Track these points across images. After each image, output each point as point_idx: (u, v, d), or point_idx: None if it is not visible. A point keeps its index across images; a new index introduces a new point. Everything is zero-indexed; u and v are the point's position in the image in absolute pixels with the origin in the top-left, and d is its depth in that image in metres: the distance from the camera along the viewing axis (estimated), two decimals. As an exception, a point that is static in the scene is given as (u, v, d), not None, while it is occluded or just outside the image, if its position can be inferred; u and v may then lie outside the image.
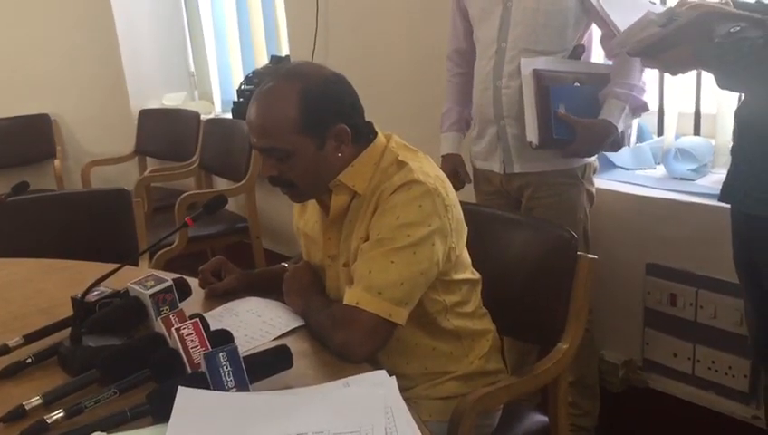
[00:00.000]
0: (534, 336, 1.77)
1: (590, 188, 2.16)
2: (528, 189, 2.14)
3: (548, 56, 2.02)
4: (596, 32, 2.14)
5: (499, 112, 2.10)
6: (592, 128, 2.00)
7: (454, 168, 2.26)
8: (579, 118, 2.00)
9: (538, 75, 2.00)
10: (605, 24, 2.00)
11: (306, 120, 1.39)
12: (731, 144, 2.26)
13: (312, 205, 1.59)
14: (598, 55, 2.24)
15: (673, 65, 1.64)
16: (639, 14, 1.64)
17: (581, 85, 2.04)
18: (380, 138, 1.49)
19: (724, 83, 1.56)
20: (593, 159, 2.16)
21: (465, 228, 1.52)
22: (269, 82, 1.42)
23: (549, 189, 2.11)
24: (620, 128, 2.01)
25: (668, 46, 1.56)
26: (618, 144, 2.09)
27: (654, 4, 1.69)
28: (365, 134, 1.47)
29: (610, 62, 2.11)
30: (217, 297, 1.61)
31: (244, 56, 4.07)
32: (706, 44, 1.48)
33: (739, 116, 1.62)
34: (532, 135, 2.03)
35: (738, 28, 1.42)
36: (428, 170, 1.44)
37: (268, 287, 1.64)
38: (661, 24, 1.54)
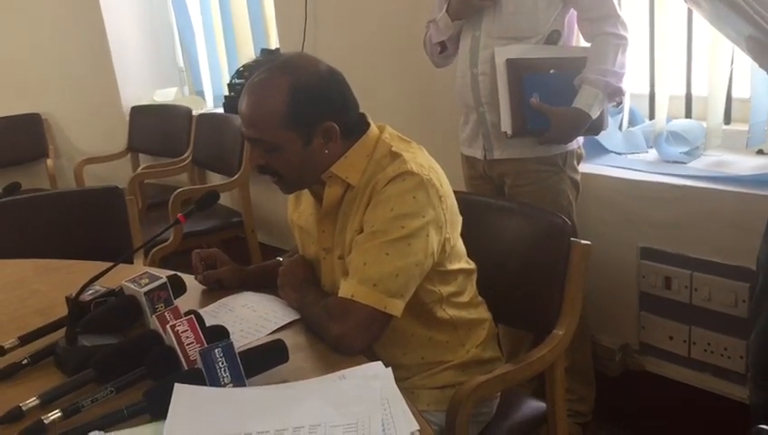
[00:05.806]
0: (529, 323, 1.77)
1: (574, 176, 2.16)
2: (509, 176, 2.15)
3: (522, 43, 2.02)
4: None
5: (478, 99, 2.11)
6: (565, 116, 2.01)
7: None
8: (553, 106, 2.00)
9: (511, 65, 2.00)
10: (581, 6, 2.00)
11: (294, 115, 1.38)
12: (723, 126, 2.29)
13: (306, 197, 1.58)
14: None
15: None
16: None
17: (557, 72, 2.03)
18: (373, 129, 1.49)
19: None
20: (577, 147, 2.15)
21: (460, 218, 1.52)
22: (262, 74, 1.42)
23: (530, 177, 2.11)
24: (594, 115, 2.01)
25: None
26: (596, 128, 2.10)
27: None
28: (357, 129, 1.47)
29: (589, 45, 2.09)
30: (212, 293, 1.61)
31: (229, 50, 4.05)
32: None
33: None
34: (506, 125, 2.04)
35: None
36: (422, 161, 1.44)
37: (263, 282, 1.64)
38: None
